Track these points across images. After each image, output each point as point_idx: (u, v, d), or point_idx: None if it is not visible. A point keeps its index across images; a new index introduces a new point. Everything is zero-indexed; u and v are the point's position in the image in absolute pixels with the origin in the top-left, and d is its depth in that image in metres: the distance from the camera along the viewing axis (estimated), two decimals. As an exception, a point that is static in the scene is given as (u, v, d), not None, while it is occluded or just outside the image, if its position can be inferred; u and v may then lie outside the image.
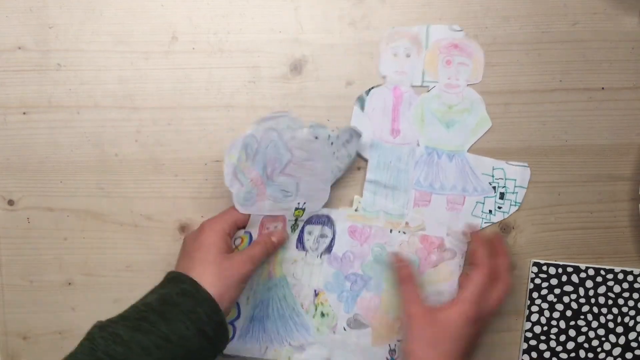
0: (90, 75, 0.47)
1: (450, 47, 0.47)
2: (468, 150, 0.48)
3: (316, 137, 0.43)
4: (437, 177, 0.48)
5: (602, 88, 0.48)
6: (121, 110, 0.47)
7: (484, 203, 0.48)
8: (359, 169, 0.48)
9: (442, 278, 0.49)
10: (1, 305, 0.49)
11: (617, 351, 0.49)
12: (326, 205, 0.47)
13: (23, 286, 0.49)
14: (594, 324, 0.49)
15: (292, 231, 0.47)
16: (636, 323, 0.48)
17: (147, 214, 0.48)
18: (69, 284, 0.49)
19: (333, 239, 0.48)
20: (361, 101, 0.47)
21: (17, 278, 0.49)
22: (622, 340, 0.49)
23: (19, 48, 0.47)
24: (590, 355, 0.49)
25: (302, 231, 0.48)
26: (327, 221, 0.48)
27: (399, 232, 0.48)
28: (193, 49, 0.47)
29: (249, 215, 0.45)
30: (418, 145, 0.47)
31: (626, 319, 0.48)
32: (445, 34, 0.47)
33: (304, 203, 0.46)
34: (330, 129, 0.44)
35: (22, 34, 0.47)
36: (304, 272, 0.49)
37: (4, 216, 0.48)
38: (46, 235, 0.48)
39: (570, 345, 0.49)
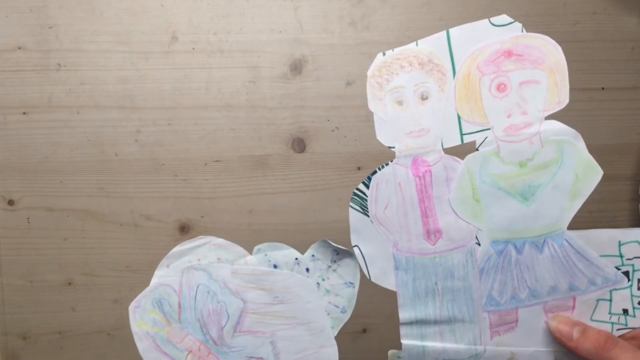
0: (90, 75, 0.47)
1: (499, 57, 0.31)
2: (569, 227, 0.32)
3: (275, 266, 0.31)
4: (522, 283, 0.31)
5: (602, 88, 0.48)
6: (121, 110, 0.47)
7: (611, 300, 0.32)
8: (359, 168, 0.47)
9: None
10: (1, 305, 0.49)
11: None
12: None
13: (23, 286, 0.49)
14: None
15: None
16: None
17: (147, 214, 0.48)
18: (69, 284, 0.49)
19: None
20: (359, 200, 0.33)
21: (17, 278, 0.49)
22: None
23: (19, 48, 0.47)
24: None
25: None
26: None
27: None
28: (193, 49, 0.47)
29: None
30: (477, 243, 0.31)
31: None
32: (482, 36, 0.31)
33: None
34: (296, 252, 0.30)
35: (22, 34, 0.47)
36: None
37: (4, 216, 0.48)
38: (46, 235, 0.48)
39: None
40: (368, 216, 0.33)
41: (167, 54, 0.47)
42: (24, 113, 0.47)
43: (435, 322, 0.31)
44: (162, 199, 0.48)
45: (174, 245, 0.47)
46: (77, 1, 0.47)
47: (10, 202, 0.48)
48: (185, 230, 0.48)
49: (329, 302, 0.31)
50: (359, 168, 0.48)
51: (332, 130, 0.47)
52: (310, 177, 0.48)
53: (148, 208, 0.48)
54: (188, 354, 0.30)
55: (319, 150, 0.48)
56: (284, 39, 0.47)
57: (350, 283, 0.31)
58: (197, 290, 0.30)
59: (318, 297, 0.30)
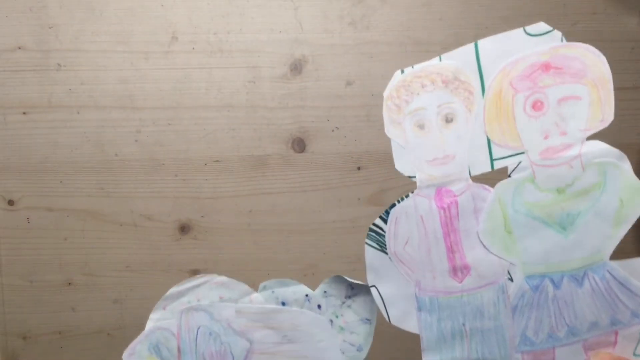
0: (90, 75, 0.47)
1: (535, 72, 0.27)
2: (611, 257, 0.29)
3: (283, 304, 0.28)
4: (560, 320, 0.28)
5: (602, 88, 0.48)
6: (121, 110, 0.47)
7: None
8: (359, 168, 0.47)
9: None
10: (1, 305, 0.49)
11: None
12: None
13: (23, 286, 0.49)
14: None
15: None
16: None
17: (147, 214, 0.48)
18: (69, 284, 0.49)
19: None
20: (376, 237, 0.30)
21: (17, 278, 0.49)
22: None
23: (19, 48, 0.47)
24: None
25: None
26: None
27: None
28: (193, 49, 0.47)
29: None
30: (510, 279, 0.28)
31: None
32: (515, 48, 0.27)
33: None
34: (306, 289, 0.28)
35: (22, 34, 0.47)
36: None
37: (4, 216, 0.48)
38: (46, 235, 0.48)
39: None
40: (386, 253, 0.29)
41: (167, 54, 0.47)
42: (24, 113, 0.47)
43: None
44: (162, 199, 0.48)
45: (174, 245, 0.47)
46: (77, 1, 0.47)
47: (10, 202, 0.48)
48: (185, 230, 0.48)
49: (344, 340, 0.28)
50: (359, 168, 0.48)
51: (332, 130, 0.47)
52: (310, 177, 0.48)
53: (148, 208, 0.48)
54: None
55: (319, 150, 0.48)
56: (284, 39, 0.47)
57: (366, 319, 0.28)
58: (197, 332, 0.28)
59: (332, 335, 0.28)
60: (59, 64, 0.47)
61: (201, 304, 0.28)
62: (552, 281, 0.28)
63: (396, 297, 0.29)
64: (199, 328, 0.27)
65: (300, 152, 0.48)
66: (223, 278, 0.29)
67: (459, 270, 0.27)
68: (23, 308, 0.49)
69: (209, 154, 0.48)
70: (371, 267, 0.29)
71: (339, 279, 0.29)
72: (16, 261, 0.49)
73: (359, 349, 0.28)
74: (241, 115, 0.47)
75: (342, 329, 0.28)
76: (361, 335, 0.28)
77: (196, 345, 0.27)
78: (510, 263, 0.27)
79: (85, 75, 0.47)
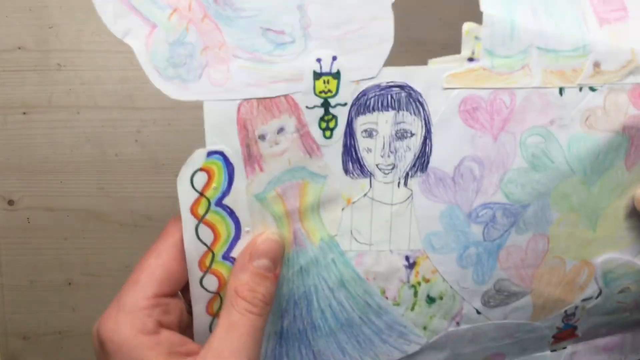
0: (90, 75, 0.47)
1: None
2: None
3: None
4: None
5: (602, 88, 0.48)
6: (121, 110, 0.47)
7: None
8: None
9: None
10: (1, 305, 0.49)
11: None
12: (393, 61, 0.20)
13: (23, 286, 0.49)
14: None
15: (324, 134, 0.23)
16: None
17: (147, 214, 0.48)
18: (69, 284, 0.49)
19: (427, 137, 0.23)
20: None
21: (17, 278, 0.49)
22: None
23: (19, 48, 0.47)
24: None
25: (349, 132, 0.22)
26: (405, 98, 0.23)
27: (580, 89, 0.22)
28: (193, 49, 0.47)
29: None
30: None
31: None
32: None
33: (334, 59, 0.21)
34: None
35: (22, 34, 0.47)
36: (376, 220, 0.23)
37: (4, 216, 0.48)
38: (46, 235, 0.48)
39: None
40: None
41: (167, 54, 0.47)
42: (24, 113, 0.47)
43: None
44: (162, 199, 0.48)
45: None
46: (77, 1, 0.47)
47: (10, 202, 0.48)
48: (185, 230, 0.48)
49: None
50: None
51: (332, 131, 0.47)
52: (310, 177, 0.48)
53: (148, 208, 0.48)
54: (172, 14, 0.20)
55: (319, 151, 0.48)
56: (284, 39, 0.47)
57: None
58: None
59: None
60: (59, 64, 0.47)
61: None
62: None
63: None
64: None
65: (300, 152, 0.48)
66: None
67: None
68: (23, 308, 0.49)
69: (209, 154, 0.48)
70: None
71: None
72: (16, 261, 0.49)
73: None
74: (241, 115, 0.47)
75: None
76: None
77: None
78: None
79: (85, 75, 0.47)
